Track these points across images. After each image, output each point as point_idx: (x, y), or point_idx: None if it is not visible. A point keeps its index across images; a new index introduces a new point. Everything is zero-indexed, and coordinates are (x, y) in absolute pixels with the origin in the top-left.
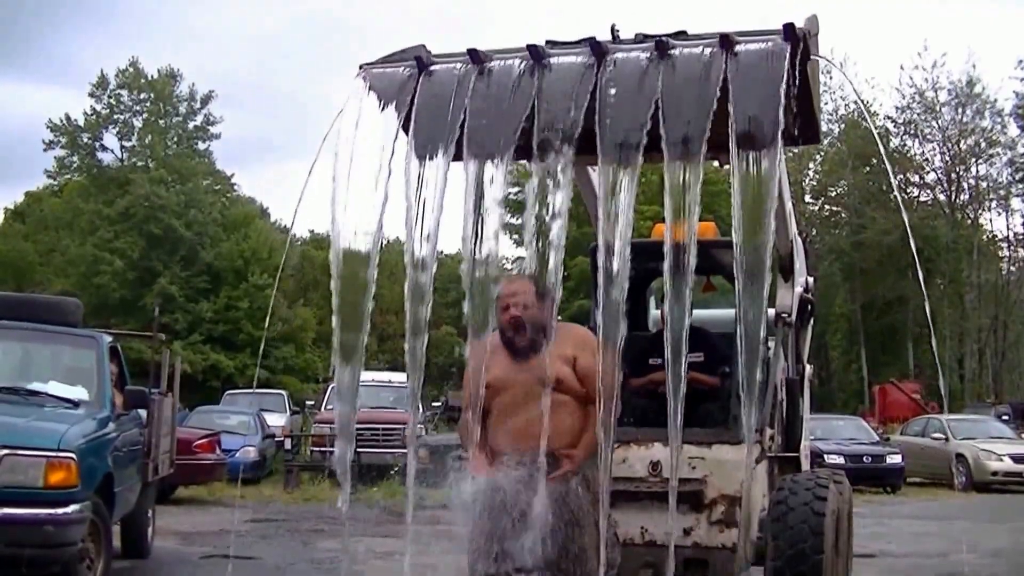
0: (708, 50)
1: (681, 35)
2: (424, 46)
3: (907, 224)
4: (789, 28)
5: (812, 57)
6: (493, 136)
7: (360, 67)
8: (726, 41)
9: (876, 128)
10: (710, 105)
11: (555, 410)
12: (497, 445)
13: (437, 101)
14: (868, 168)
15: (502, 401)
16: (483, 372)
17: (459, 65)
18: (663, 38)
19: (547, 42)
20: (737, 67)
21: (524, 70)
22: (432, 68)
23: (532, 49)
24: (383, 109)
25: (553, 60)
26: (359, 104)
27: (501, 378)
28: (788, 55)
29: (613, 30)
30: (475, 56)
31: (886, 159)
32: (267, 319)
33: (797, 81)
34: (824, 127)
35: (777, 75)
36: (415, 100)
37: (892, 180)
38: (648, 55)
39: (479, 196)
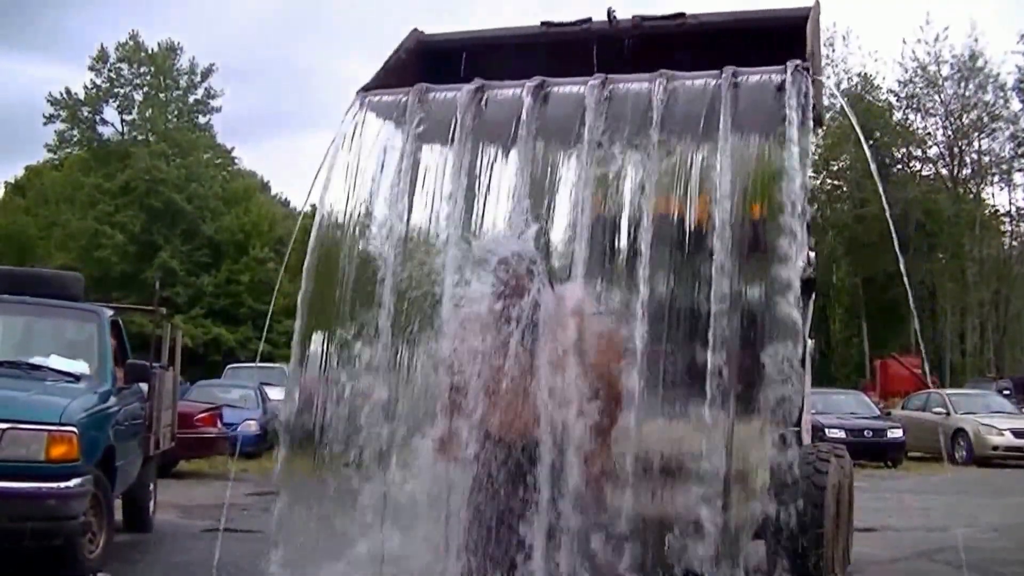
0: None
1: (679, 17)
2: (416, 30)
3: (883, 196)
4: (796, 67)
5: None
6: None
7: (358, 93)
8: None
9: (879, 102)
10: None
11: (556, 390)
12: (496, 428)
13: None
14: (871, 141)
15: (497, 384)
16: (473, 347)
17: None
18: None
19: (543, 23)
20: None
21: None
22: (432, 95)
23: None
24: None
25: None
26: (360, 128)
27: (497, 361)
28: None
29: (610, 13)
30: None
31: (865, 144)
32: (274, 291)
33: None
34: (826, 101)
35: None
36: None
37: (871, 166)
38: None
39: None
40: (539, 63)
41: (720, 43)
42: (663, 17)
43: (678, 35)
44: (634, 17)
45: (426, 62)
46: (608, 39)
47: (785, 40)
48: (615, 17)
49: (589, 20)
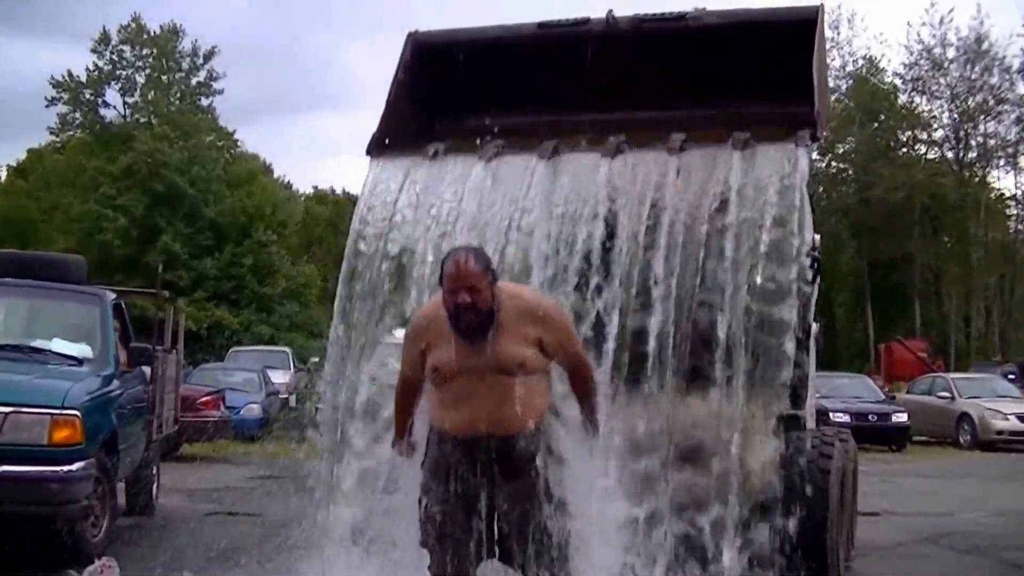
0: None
1: (680, 18)
2: (411, 33)
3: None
4: (807, 145)
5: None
6: None
7: (368, 152)
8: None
9: (884, 85)
10: None
11: (517, 391)
12: (453, 429)
13: None
14: (876, 124)
15: (453, 385)
16: (425, 348)
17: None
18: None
19: (539, 24)
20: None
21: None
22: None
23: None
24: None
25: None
26: (371, 186)
27: (451, 363)
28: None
29: (609, 14)
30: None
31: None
32: (341, 273)
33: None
34: (832, 83)
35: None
36: None
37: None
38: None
39: None
40: (536, 64)
41: (721, 44)
42: (663, 18)
43: (679, 36)
44: (634, 17)
45: (424, 66)
46: (607, 40)
47: (787, 41)
48: (614, 18)
49: (587, 21)
